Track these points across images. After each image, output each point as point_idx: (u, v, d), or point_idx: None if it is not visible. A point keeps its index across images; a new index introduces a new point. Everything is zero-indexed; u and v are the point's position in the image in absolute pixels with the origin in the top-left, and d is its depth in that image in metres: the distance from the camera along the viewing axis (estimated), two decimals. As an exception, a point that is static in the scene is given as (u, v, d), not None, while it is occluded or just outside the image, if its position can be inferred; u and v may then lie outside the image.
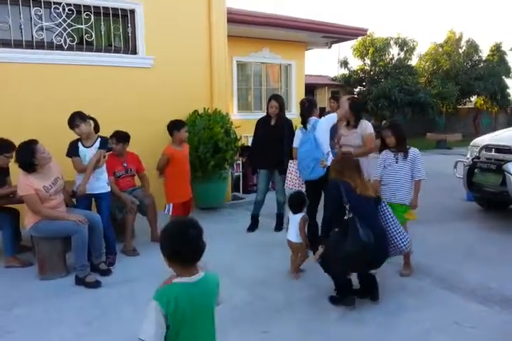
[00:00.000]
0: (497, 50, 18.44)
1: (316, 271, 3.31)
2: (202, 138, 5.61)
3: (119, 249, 4.23)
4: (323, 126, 4.28)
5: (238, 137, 6.15)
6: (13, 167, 3.70)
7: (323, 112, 6.57)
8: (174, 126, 4.44)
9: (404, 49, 17.18)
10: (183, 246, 1.64)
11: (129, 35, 5.61)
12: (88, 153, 3.90)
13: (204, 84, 6.18)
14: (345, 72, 18.22)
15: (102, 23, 5.40)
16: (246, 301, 3.23)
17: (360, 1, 63.84)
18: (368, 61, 17.62)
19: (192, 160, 4.85)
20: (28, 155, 3.42)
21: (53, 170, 3.65)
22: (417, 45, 17.23)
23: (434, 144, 15.01)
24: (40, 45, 5.03)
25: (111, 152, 4.22)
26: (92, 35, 5.35)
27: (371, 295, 3.18)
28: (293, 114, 9.79)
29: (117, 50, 5.54)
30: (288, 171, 4.60)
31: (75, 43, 5.24)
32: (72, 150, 3.92)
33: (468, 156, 5.73)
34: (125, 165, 4.54)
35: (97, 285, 3.52)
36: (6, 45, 4.86)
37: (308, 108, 4.40)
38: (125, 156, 4.57)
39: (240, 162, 6.91)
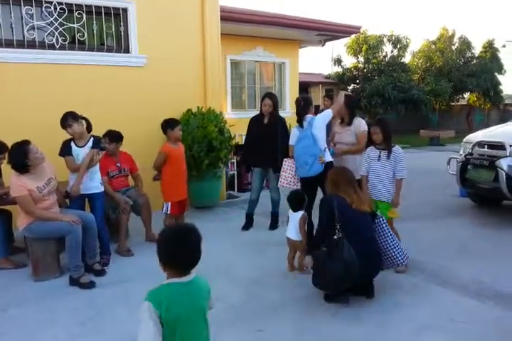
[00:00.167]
0: (489, 47, 18.56)
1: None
2: (196, 137, 5.60)
3: (113, 249, 4.22)
4: (319, 122, 4.30)
5: (232, 136, 6.14)
6: (6, 168, 3.67)
7: (317, 110, 6.58)
8: (168, 125, 4.43)
9: (398, 46, 17.26)
10: (180, 251, 1.64)
11: (122, 33, 5.57)
12: (81, 152, 3.88)
13: (197, 83, 6.16)
14: (339, 69, 18.28)
15: (95, 21, 5.36)
16: (241, 300, 3.23)
17: (354, -1, 63.88)
18: (361, 59, 17.68)
19: (186, 159, 4.83)
20: (21, 156, 3.39)
21: (46, 171, 3.63)
22: (410, 43, 17.33)
23: (427, 141, 15.10)
24: (32, 45, 4.99)
25: (104, 152, 4.20)
26: (84, 34, 5.31)
27: (366, 293, 3.18)
28: (287, 112, 9.81)
29: (110, 49, 5.51)
30: (282, 169, 4.60)
31: (67, 42, 5.20)
32: (65, 150, 3.90)
33: (461, 153, 5.76)
34: (118, 165, 4.52)
35: (91, 285, 3.50)
36: (-4, 44, 4.82)
37: (304, 106, 4.42)
38: (118, 156, 4.55)
39: (234, 160, 6.90)
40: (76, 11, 5.19)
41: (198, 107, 5.99)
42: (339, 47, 33.96)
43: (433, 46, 18.78)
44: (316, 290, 3.23)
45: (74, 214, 3.68)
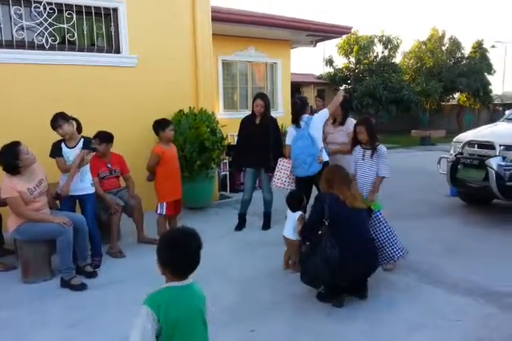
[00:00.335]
0: (479, 47, 18.74)
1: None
2: (188, 138, 5.58)
3: (104, 250, 4.18)
4: (316, 122, 4.34)
5: (224, 136, 6.13)
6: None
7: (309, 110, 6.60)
8: (159, 126, 4.40)
9: (389, 47, 17.36)
10: (180, 256, 1.64)
11: (112, 34, 5.54)
12: (71, 153, 3.85)
13: (189, 83, 6.14)
14: (331, 70, 18.35)
15: (85, 22, 5.32)
16: (234, 300, 3.23)
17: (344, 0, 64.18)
18: (352, 59, 17.78)
19: (178, 160, 4.81)
20: (12, 158, 3.36)
21: (37, 172, 3.60)
22: (400, 43, 17.46)
23: (418, 141, 15.20)
24: (21, 45, 4.94)
25: (95, 153, 4.17)
26: (74, 35, 5.27)
27: (360, 294, 3.19)
28: (279, 112, 9.83)
29: (100, 50, 5.47)
30: (277, 169, 4.60)
31: (56, 43, 5.15)
32: (56, 151, 3.87)
33: (451, 152, 5.81)
34: (109, 166, 4.49)
35: (82, 287, 3.47)
36: (-15, 44, 4.76)
37: (301, 106, 4.47)
38: (109, 157, 4.52)
39: (226, 161, 6.90)
40: (66, 11, 5.15)
41: (190, 108, 5.97)
42: (331, 47, 34.15)
43: (423, 47, 18.93)
44: (309, 289, 3.24)
45: (65, 215, 3.65)
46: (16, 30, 4.92)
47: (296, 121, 4.43)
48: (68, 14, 5.18)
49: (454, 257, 4.04)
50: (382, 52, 17.56)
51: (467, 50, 18.89)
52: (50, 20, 5.09)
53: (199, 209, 5.97)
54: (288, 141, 4.48)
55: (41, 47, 5.05)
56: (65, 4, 5.12)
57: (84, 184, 3.93)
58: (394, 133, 17.16)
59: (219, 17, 7.19)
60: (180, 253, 1.64)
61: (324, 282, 3.08)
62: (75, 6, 5.19)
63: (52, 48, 5.11)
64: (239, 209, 5.16)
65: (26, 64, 4.94)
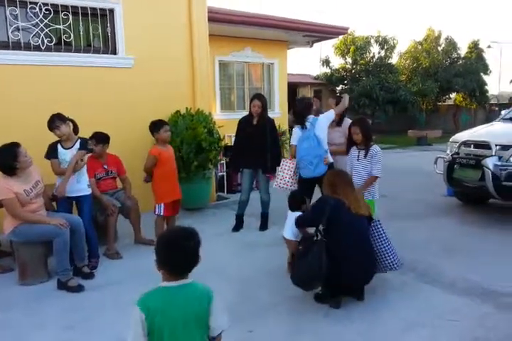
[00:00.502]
0: (475, 48, 18.80)
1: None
2: (185, 139, 5.57)
3: (101, 252, 4.17)
4: (322, 123, 4.35)
5: (221, 137, 6.13)
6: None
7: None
8: (154, 127, 4.38)
9: (385, 47, 17.40)
10: (176, 255, 1.63)
11: (109, 35, 5.53)
12: (68, 154, 3.84)
13: (186, 84, 6.14)
14: (327, 70, 18.37)
15: (81, 23, 5.31)
16: (232, 300, 3.22)
17: (341, 0, 64.32)
18: (349, 59, 17.81)
19: (175, 161, 4.80)
20: (10, 158, 3.34)
21: (34, 174, 3.59)
22: (397, 43, 17.49)
23: (415, 141, 15.24)
24: (17, 46, 4.92)
25: (91, 153, 4.16)
26: (70, 36, 5.26)
27: (357, 295, 3.18)
28: (276, 112, 9.84)
29: (97, 51, 5.46)
30: (280, 169, 4.58)
31: (53, 44, 5.14)
32: (51, 153, 3.86)
33: (448, 152, 5.83)
34: (105, 167, 4.48)
35: (79, 289, 3.47)
36: (-20, 46, 4.75)
37: (305, 107, 4.47)
38: (105, 158, 4.51)
39: (223, 162, 6.89)
40: (62, 12, 5.14)
41: (187, 108, 5.97)
42: (327, 48, 34.19)
43: (419, 47, 18.99)
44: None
45: (61, 217, 3.63)
46: (12, 31, 4.91)
47: (301, 122, 4.40)
48: (64, 15, 5.17)
49: (451, 257, 4.05)
50: (379, 52, 17.60)
51: (463, 50, 18.98)
52: (46, 21, 5.08)
53: (196, 210, 5.96)
54: (293, 141, 4.45)
55: (37, 48, 5.04)
56: (61, 5, 5.11)
57: (81, 185, 3.92)
58: (390, 134, 17.20)
59: (216, 17, 7.19)
60: (175, 252, 1.64)
61: (310, 287, 3.10)
62: (71, 6, 5.18)
63: (48, 49, 5.10)
64: (236, 210, 5.16)
65: (22, 65, 4.93)
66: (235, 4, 37.37)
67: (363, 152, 3.94)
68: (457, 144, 5.57)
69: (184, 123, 5.68)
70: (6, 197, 3.38)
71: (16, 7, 4.88)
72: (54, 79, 5.13)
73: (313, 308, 3.10)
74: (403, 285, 3.46)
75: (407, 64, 19.21)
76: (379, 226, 3.24)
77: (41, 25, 5.05)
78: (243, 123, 4.98)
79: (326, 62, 18.23)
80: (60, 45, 5.20)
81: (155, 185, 4.41)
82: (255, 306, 3.15)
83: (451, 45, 18.61)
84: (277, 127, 5.07)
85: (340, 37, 15.41)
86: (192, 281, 1.70)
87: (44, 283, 3.65)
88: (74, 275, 3.64)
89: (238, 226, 5.10)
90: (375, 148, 3.94)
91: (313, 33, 9.50)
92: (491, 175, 4.86)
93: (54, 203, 4.07)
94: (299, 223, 3.34)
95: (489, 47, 20.51)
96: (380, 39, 17.29)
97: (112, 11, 5.49)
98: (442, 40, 18.93)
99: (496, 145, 5.00)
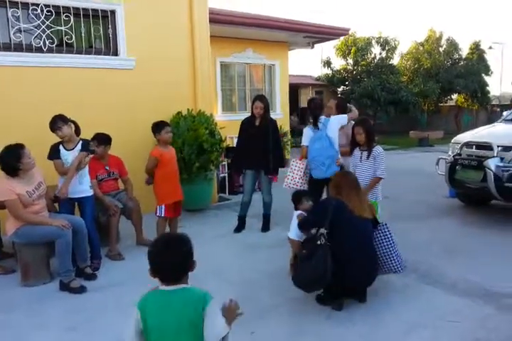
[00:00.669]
0: (476, 49, 18.79)
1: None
2: (186, 140, 5.58)
3: (103, 253, 4.18)
4: (334, 125, 4.35)
5: (223, 138, 6.13)
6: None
7: (306, 112, 6.63)
8: (156, 128, 4.38)
9: (386, 48, 17.39)
10: (160, 262, 1.65)
11: (110, 36, 5.54)
12: (70, 156, 3.85)
13: (187, 85, 6.15)
14: (329, 71, 18.38)
15: (82, 24, 5.33)
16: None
17: (342, 1, 64.36)
18: (350, 60, 17.80)
19: (177, 162, 4.81)
20: (14, 159, 3.35)
21: (36, 175, 3.59)
22: (398, 44, 17.48)
23: (416, 142, 15.22)
24: (19, 47, 4.94)
25: (93, 155, 4.17)
26: (72, 37, 5.27)
27: (359, 297, 3.17)
28: (277, 114, 9.85)
29: (98, 52, 5.47)
30: (290, 170, 4.57)
31: (54, 45, 5.15)
32: (54, 153, 3.87)
33: (449, 153, 5.82)
34: (107, 168, 4.49)
35: (81, 290, 3.47)
36: (-18, 47, 4.76)
37: (319, 107, 4.48)
38: (107, 159, 4.52)
39: (225, 163, 6.90)
40: (63, 13, 5.15)
41: (188, 110, 5.98)
42: (328, 49, 34.20)
43: (421, 48, 18.98)
44: (308, 292, 3.23)
45: (63, 218, 3.64)
46: (14, 33, 4.92)
47: (315, 122, 4.38)
48: (66, 16, 5.19)
49: (452, 258, 4.05)
50: (380, 53, 17.60)
51: (464, 51, 18.96)
52: (47, 22, 5.09)
53: (198, 212, 5.97)
54: (305, 141, 4.44)
55: (39, 50, 5.05)
56: (63, 6, 5.13)
57: (83, 186, 3.93)
58: (392, 135, 17.18)
59: (217, 19, 7.20)
60: (159, 259, 1.65)
61: (315, 289, 3.09)
62: (73, 8, 5.19)
63: (50, 51, 5.11)
64: (239, 211, 5.16)
65: (24, 67, 4.94)
66: (237, 5, 37.33)
67: (365, 153, 3.93)
68: (459, 145, 5.57)
69: (186, 124, 5.69)
70: (9, 198, 3.39)
71: (18, 9, 4.90)
72: (56, 80, 5.14)
73: (315, 310, 3.09)
74: (405, 287, 3.45)
75: (409, 65, 19.21)
76: (386, 229, 3.19)
77: (43, 27, 5.07)
78: (245, 125, 4.99)
79: (327, 63, 18.24)
80: (62, 46, 5.21)
81: (156, 187, 4.41)
82: (257, 307, 3.14)
83: (453, 46, 18.60)
84: (279, 128, 5.07)
85: (342, 38, 15.43)
86: (189, 286, 1.70)
87: (46, 284, 3.65)
88: (76, 276, 3.64)
89: (240, 227, 5.10)
90: (378, 148, 3.93)
91: (314, 34, 9.51)
92: (492, 176, 4.85)
93: (56, 204, 4.08)
94: (302, 226, 3.32)
95: (490, 48, 20.50)
96: (382, 40, 17.28)
97: (113, 12, 5.50)
98: (444, 41, 18.91)
99: (498, 147, 5.00)
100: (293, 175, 4.53)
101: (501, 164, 4.88)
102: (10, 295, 3.47)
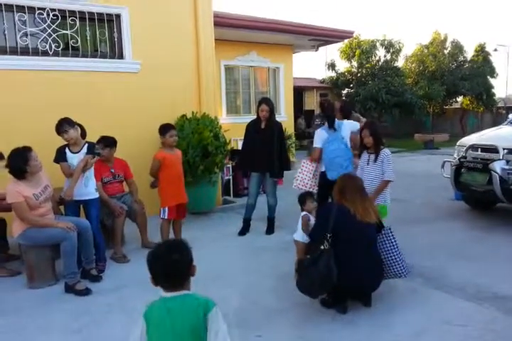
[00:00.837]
0: (481, 51, 18.75)
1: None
2: (191, 143, 5.59)
3: (108, 255, 4.18)
4: (346, 128, 4.39)
5: (227, 141, 6.14)
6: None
7: (312, 115, 6.65)
8: (162, 131, 4.39)
9: (391, 51, 17.39)
10: (156, 268, 1.66)
11: (115, 39, 5.58)
12: (76, 158, 3.86)
13: (192, 88, 6.17)
14: (333, 74, 18.38)
15: (88, 28, 5.37)
16: (239, 305, 3.21)
17: (346, 4, 64.43)
18: (354, 63, 17.81)
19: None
20: (22, 162, 3.38)
21: (43, 178, 3.62)
22: (403, 47, 17.48)
23: (421, 145, 15.18)
24: (25, 51, 4.98)
25: (99, 157, 4.18)
26: (77, 41, 5.31)
27: (364, 302, 3.15)
28: (282, 116, 9.85)
29: (104, 55, 5.51)
30: (299, 171, 4.56)
31: (60, 49, 5.19)
32: (60, 156, 3.88)
33: (455, 156, 5.79)
34: (112, 170, 4.50)
35: (87, 292, 3.47)
36: (-10, 51, 4.80)
37: (333, 109, 4.54)
38: (112, 162, 4.53)
39: (229, 166, 6.90)
40: (69, 17, 5.20)
41: (193, 112, 5.99)
42: (333, 51, 34.24)
43: (426, 50, 18.95)
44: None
45: (69, 220, 3.65)
46: (20, 37, 4.97)
47: (331, 123, 4.37)
48: (71, 20, 5.23)
49: (459, 261, 4.02)
50: (385, 56, 17.59)
51: (470, 53, 18.95)
52: (53, 26, 5.13)
53: (202, 214, 5.97)
54: (318, 143, 4.39)
55: (45, 54, 5.09)
56: (68, 11, 5.17)
57: (89, 189, 3.94)
58: (397, 137, 17.14)
59: (221, 22, 7.23)
60: (155, 266, 1.66)
61: (316, 295, 3.08)
62: (78, 12, 5.24)
63: (56, 54, 5.15)
64: (243, 214, 5.15)
65: (30, 70, 4.98)
66: (241, 9, 37.45)
67: (373, 156, 3.91)
68: (464, 148, 5.54)
69: (190, 127, 5.70)
70: (16, 200, 3.41)
71: (25, 13, 4.94)
72: (61, 84, 5.17)
73: (319, 313, 3.07)
74: (411, 291, 3.42)
75: (413, 67, 19.19)
76: (390, 234, 3.16)
77: (49, 31, 5.11)
78: (251, 127, 4.99)
79: (332, 66, 18.26)
80: (68, 50, 5.26)
81: (160, 189, 4.42)
82: (263, 310, 3.13)
83: (458, 48, 18.57)
84: (284, 130, 5.07)
85: (346, 40, 15.43)
86: (191, 293, 1.69)
87: (52, 286, 3.66)
88: (81, 278, 3.65)
89: (244, 230, 5.09)
90: (385, 151, 3.91)
91: (319, 37, 9.52)
92: (498, 179, 4.82)
93: (61, 207, 4.10)
94: (312, 238, 3.25)
95: (496, 50, 20.43)
96: (386, 43, 17.28)
97: (118, 16, 5.54)
98: (448, 44, 18.89)
99: (504, 149, 4.96)
100: (302, 177, 4.52)
101: (507, 167, 4.85)
102: (16, 297, 3.48)
